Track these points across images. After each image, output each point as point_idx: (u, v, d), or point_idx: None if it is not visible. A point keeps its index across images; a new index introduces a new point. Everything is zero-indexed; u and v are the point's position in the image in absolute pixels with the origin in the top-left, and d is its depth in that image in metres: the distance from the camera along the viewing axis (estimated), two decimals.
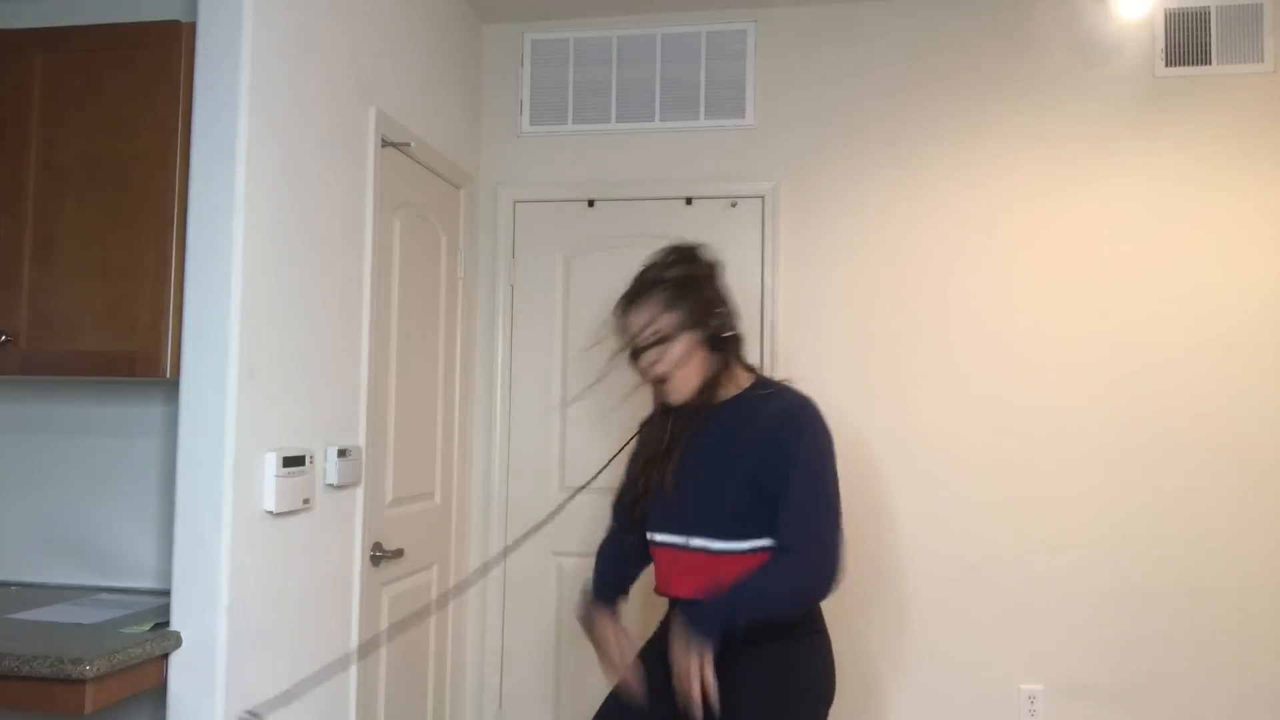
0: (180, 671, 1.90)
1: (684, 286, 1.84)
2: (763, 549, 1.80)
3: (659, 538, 1.91)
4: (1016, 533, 3.07)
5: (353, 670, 2.45)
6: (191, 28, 2.01)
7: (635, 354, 1.85)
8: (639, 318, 1.84)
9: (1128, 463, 3.03)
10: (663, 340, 1.81)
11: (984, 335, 3.12)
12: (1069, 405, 3.06)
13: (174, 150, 2.03)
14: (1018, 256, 3.12)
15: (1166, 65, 3.08)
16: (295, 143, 2.18)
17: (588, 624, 2.02)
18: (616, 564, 2.09)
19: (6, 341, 2.07)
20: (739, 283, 3.27)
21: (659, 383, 1.84)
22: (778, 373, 3.21)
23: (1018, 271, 3.12)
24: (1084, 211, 3.10)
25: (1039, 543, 3.06)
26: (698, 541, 1.84)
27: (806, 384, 3.32)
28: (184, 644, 1.91)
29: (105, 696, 1.76)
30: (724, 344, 1.86)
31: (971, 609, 3.08)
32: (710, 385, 1.85)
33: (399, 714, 2.76)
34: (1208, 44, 3.05)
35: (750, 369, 1.95)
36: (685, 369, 1.83)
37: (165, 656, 1.89)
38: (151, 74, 2.05)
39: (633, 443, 2.06)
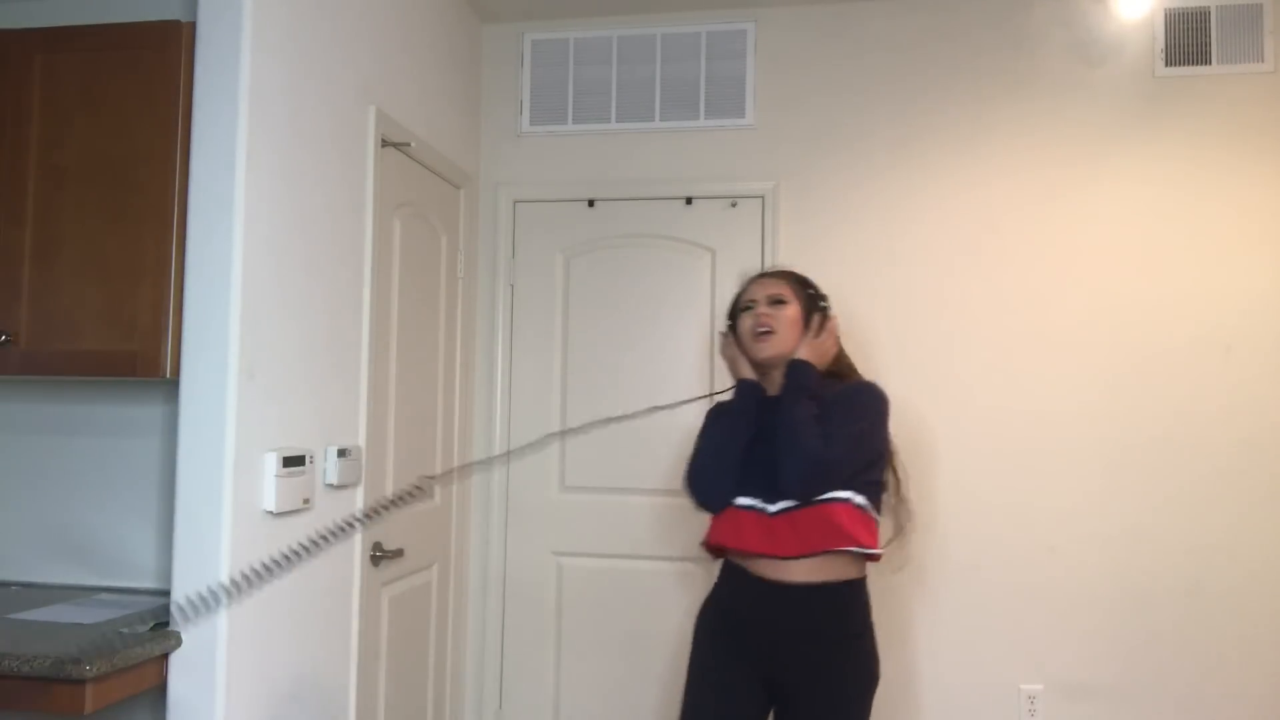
0: (180, 671, 1.90)
1: (804, 283, 2.22)
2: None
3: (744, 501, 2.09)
4: (1016, 533, 3.07)
5: (352, 671, 2.45)
6: (191, 28, 2.01)
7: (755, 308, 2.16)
8: (773, 282, 2.19)
9: (1128, 462, 3.03)
10: (780, 302, 2.14)
11: (984, 334, 3.12)
12: (1069, 405, 3.06)
13: (174, 150, 2.02)
14: (1017, 256, 3.12)
15: (1166, 65, 3.08)
16: (295, 142, 2.18)
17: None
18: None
19: (6, 341, 2.07)
20: (739, 282, 3.28)
21: (763, 336, 2.11)
22: None
23: (1017, 271, 3.12)
24: (1084, 211, 3.10)
25: (1039, 543, 3.06)
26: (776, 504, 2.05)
27: None
28: (184, 644, 1.91)
29: (105, 696, 1.76)
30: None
31: (971, 609, 3.08)
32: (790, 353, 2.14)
33: (399, 714, 2.76)
34: (1208, 44, 3.05)
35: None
36: (788, 330, 2.13)
37: (165, 656, 1.89)
38: (151, 74, 2.05)
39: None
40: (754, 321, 2.15)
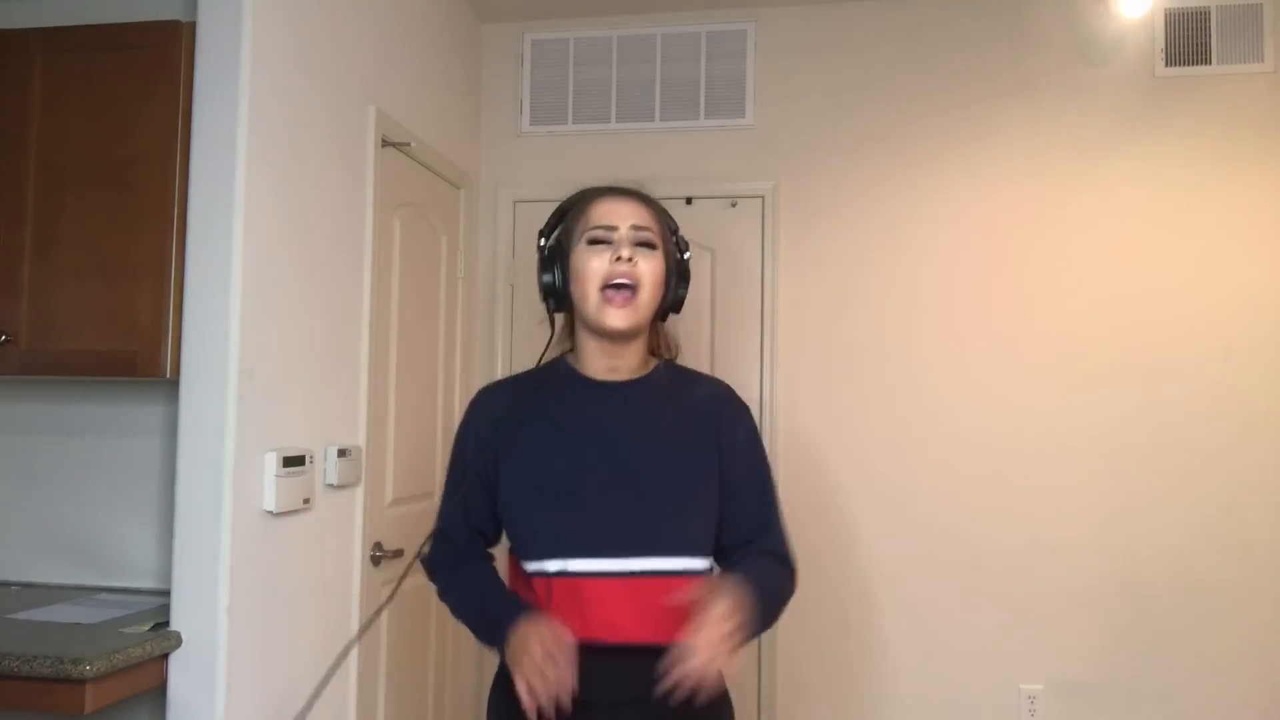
0: (180, 671, 1.90)
1: (670, 222, 1.58)
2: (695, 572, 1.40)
3: (594, 565, 1.39)
4: (1016, 532, 3.06)
5: (352, 671, 2.45)
6: (191, 27, 2.01)
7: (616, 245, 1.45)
8: (643, 213, 1.51)
9: (1127, 462, 3.02)
10: (653, 246, 1.47)
11: (984, 334, 3.12)
12: (1069, 404, 3.06)
13: (174, 150, 2.02)
14: (1017, 255, 3.12)
15: (1166, 65, 3.08)
16: (295, 142, 2.18)
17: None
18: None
19: (6, 341, 2.07)
20: (739, 283, 3.29)
21: (622, 296, 1.43)
22: (779, 372, 3.21)
23: (1017, 270, 3.12)
24: (1084, 211, 3.10)
25: (1038, 543, 3.05)
26: (649, 564, 1.37)
27: (806, 383, 3.32)
28: (184, 644, 1.91)
29: (105, 696, 1.76)
30: (673, 306, 1.56)
31: (971, 609, 3.08)
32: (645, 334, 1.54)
33: (399, 714, 2.76)
34: (1208, 44, 3.05)
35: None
36: (652, 293, 1.46)
37: (165, 656, 1.89)
38: (151, 74, 2.05)
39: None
40: (608, 266, 1.40)
